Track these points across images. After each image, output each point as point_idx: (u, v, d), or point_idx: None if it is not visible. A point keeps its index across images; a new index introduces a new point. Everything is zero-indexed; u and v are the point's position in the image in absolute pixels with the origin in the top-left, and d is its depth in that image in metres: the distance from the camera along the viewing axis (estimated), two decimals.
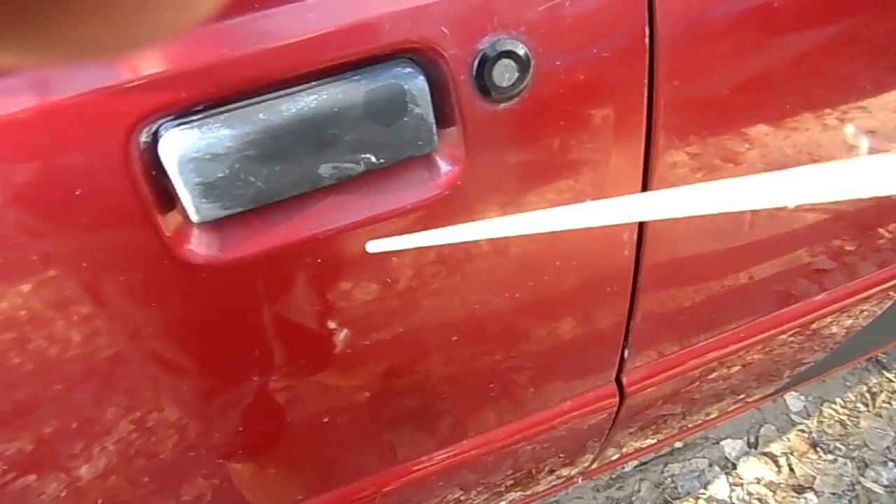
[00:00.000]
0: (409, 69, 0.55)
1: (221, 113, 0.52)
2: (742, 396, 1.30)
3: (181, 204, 0.55)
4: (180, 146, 0.51)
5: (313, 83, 0.54)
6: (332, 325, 0.68)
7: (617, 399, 0.96)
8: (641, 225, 0.75)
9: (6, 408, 0.60)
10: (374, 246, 0.59)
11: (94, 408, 0.63)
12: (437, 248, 0.66)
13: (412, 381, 0.79)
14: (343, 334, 0.69)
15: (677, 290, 0.88)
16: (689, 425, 1.32)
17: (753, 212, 0.84)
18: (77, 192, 0.51)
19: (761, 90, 0.71)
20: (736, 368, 1.11)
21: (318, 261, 0.62)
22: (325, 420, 0.77)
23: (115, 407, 0.65)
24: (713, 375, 1.10)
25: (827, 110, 0.77)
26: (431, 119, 0.57)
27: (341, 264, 0.63)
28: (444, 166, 0.62)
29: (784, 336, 1.08)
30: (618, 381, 0.96)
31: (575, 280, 0.77)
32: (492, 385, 0.84)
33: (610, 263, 0.78)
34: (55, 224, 0.52)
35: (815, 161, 0.63)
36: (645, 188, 0.71)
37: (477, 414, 0.89)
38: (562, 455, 1.08)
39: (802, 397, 1.93)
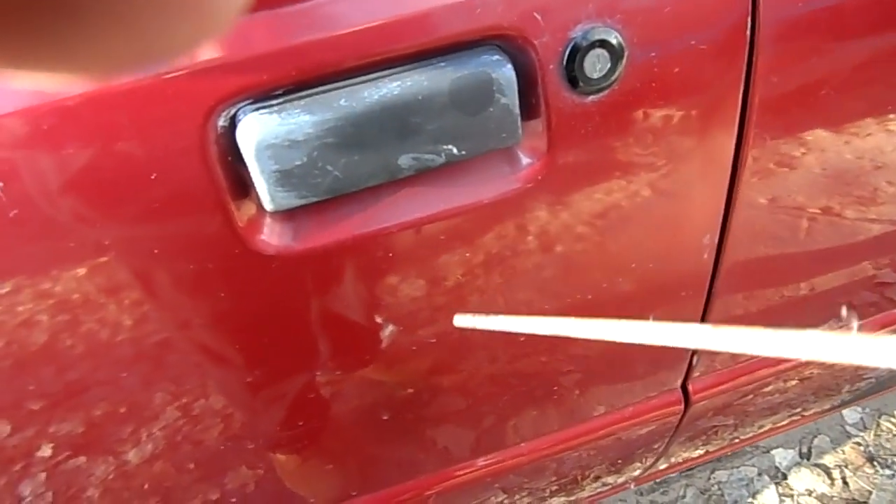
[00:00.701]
0: (497, 56, 0.52)
1: (302, 98, 0.50)
2: (799, 410, 1.25)
3: (255, 192, 0.53)
4: (259, 131, 0.49)
5: (397, 69, 0.52)
6: (397, 319, 0.66)
7: (682, 406, 0.93)
8: (724, 229, 0.71)
9: (60, 388, 0.59)
10: (460, 321, 0.57)
11: (148, 392, 0.62)
12: (516, 240, 0.63)
13: (473, 381, 0.76)
14: (409, 329, 0.67)
15: (752, 296, 0.84)
16: (741, 437, 1.27)
17: (836, 220, 0.79)
18: (152, 177, 0.50)
19: (863, 89, 0.66)
20: (794, 382, 1.07)
21: (390, 255, 0.59)
22: (385, 417, 0.75)
23: (168, 393, 0.64)
24: (773, 388, 1.06)
25: None
26: (517, 110, 0.54)
27: (414, 258, 0.61)
28: (525, 160, 0.59)
29: None
30: (683, 388, 0.92)
31: (649, 281, 0.74)
32: (554, 388, 0.81)
33: (688, 267, 0.74)
34: (128, 208, 0.51)
35: None
36: (732, 187, 0.67)
37: (533, 416, 0.86)
38: (615, 462, 1.04)
39: (859, 409, 1.85)
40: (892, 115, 0.70)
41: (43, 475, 0.65)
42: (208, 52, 0.48)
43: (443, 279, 0.63)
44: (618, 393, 0.89)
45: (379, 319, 0.64)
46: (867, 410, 1.85)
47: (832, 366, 1.07)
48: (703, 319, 0.81)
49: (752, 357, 0.93)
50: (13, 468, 0.63)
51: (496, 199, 0.59)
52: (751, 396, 1.05)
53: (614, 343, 0.81)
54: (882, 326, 1.02)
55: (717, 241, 0.72)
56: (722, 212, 0.70)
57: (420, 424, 0.79)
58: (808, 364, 1.00)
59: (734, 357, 0.93)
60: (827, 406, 1.31)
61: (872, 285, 0.92)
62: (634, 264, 0.70)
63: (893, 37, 0.64)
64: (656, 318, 0.79)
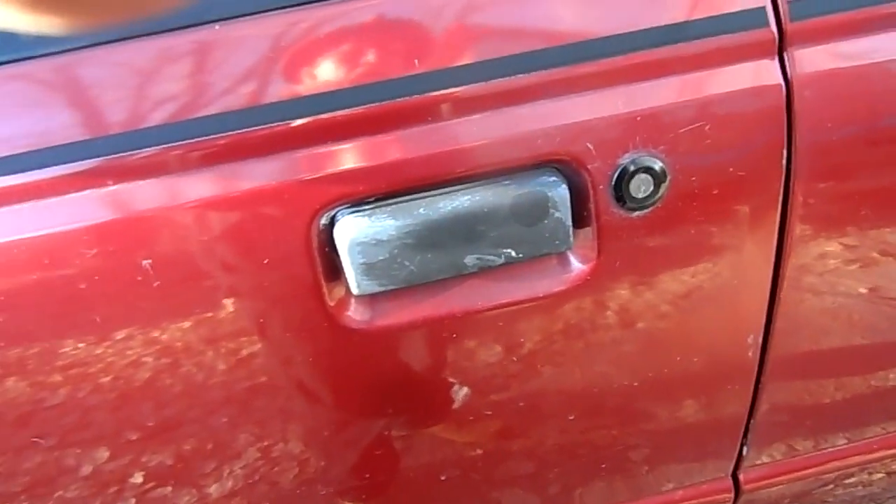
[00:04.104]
0: (553, 178, 0.62)
1: (389, 205, 0.61)
2: None
3: (345, 277, 0.64)
4: (352, 231, 0.61)
5: (469, 184, 0.62)
6: (458, 389, 0.75)
7: (732, 495, 0.96)
8: (767, 331, 0.77)
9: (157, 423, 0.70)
10: None
11: (234, 433, 0.73)
12: (566, 334, 0.72)
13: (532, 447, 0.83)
14: (463, 393, 0.75)
15: (801, 393, 0.87)
16: None
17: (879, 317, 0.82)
18: (265, 262, 0.62)
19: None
20: (880, 475, 1.06)
21: (454, 335, 0.69)
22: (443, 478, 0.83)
23: (252, 436, 0.74)
24: (846, 482, 1.06)
25: None
26: (569, 222, 0.63)
27: (475, 340, 0.70)
28: (576, 263, 0.67)
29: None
30: (734, 476, 0.95)
31: (697, 371, 0.79)
32: (603, 465, 0.87)
33: (733, 364, 0.79)
34: (245, 283, 0.63)
35: None
36: (774, 293, 0.73)
37: (583, 491, 0.91)
38: None
39: None
40: None
41: (132, 500, 0.75)
42: (317, 165, 0.60)
43: (497, 360, 0.72)
44: (670, 476, 0.93)
45: (440, 387, 0.74)
46: None
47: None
48: (751, 414, 0.86)
49: (807, 451, 0.95)
50: (107, 491, 0.73)
51: (549, 296, 0.68)
52: (828, 487, 1.05)
53: (665, 425, 0.86)
54: None
55: (760, 340, 0.77)
56: (765, 314, 0.75)
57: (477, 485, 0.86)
58: (867, 465, 1.01)
59: (792, 447, 0.95)
60: None
61: None
62: (679, 358, 0.77)
63: None
64: (702, 411, 0.84)
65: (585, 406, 0.79)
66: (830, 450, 0.98)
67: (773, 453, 0.95)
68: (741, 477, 0.95)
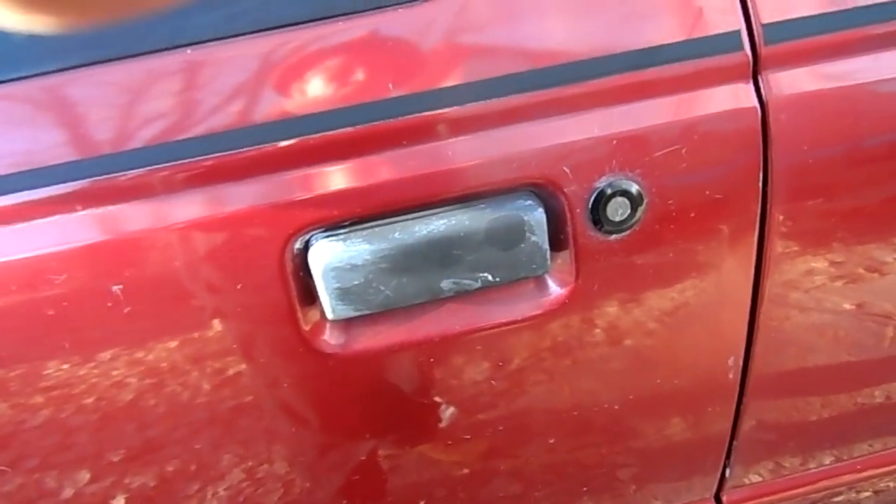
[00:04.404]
0: (529, 201, 0.62)
1: (364, 230, 0.61)
2: None
3: (320, 302, 0.63)
4: (326, 256, 0.60)
5: (444, 208, 0.62)
6: (441, 410, 0.73)
7: None
8: (748, 352, 0.76)
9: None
10: None
11: (212, 460, 0.71)
12: (545, 356, 0.71)
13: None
14: (444, 417, 0.74)
15: (783, 414, 0.87)
16: None
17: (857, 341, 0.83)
18: (238, 287, 0.61)
19: (877, 238, 0.71)
20: (866, 494, 1.06)
21: (431, 360, 0.68)
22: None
23: (231, 462, 0.72)
24: (833, 500, 1.05)
25: None
26: (546, 246, 0.63)
27: (452, 365, 0.70)
28: (553, 287, 0.67)
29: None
30: (717, 498, 0.95)
31: (677, 394, 0.79)
32: (584, 488, 0.86)
33: (713, 386, 0.79)
34: (219, 308, 0.62)
35: None
36: (752, 323, 0.73)
37: None
38: None
39: None
40: None
41: None
42: (290, 189, 0.60)
43: (476, 385, 0.71)
44: (650, 497, 0.92)
45: (424, 410, 0.73)
46: None
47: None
48: (733, 436, 0.85)
49: (802, 469, 0.95)
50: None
51: (527, 319, 0.67)
52: None
53: (648, 449, 0.85)
54: None
55: (741, 362, 0.77)
56: (745, 336, 0.75)
57: None
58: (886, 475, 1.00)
59: (776, 469, 0.95)
60: None
61: None
62: (660, 381, 0.76)
63: None
64: (683, 434, 0.83)
65: (565, 429, 0.78)
66: (815, 470, 0.97)
67: (757, 475, 0.95)
68: (724, 498, 0.95)
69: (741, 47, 0.62)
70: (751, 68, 0.62)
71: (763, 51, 0.62)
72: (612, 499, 0.91)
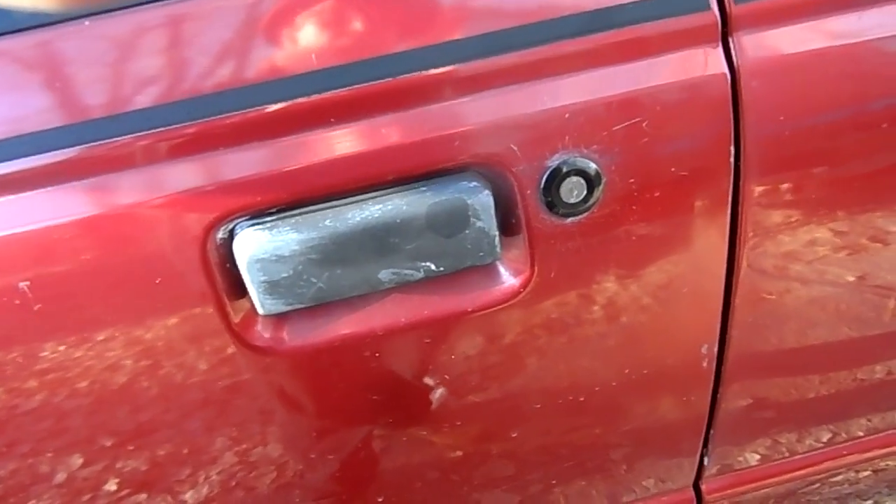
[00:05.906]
0: (474, 183, 0.56)
1: (292, 217, 0.55)
2: None
3: (249, 296, 0.58)
4: (251, 247, 0.54)
5: (380, 192, 0.56)
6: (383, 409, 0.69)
7: None
8: (723, 339, 0.71)
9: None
10: None
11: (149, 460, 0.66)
12: (503, 348, 0.66)
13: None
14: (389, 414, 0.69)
15: (759, 403, 0.82)
16: None
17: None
18: (157, 281, 0.56)
19: (852, 212, 0.65)
20: (865, 472, 1.02)
21: (376, 354, 0.63)
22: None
23: (169, 463, 0.67)
24: (832, 479, 1.01)
25: None
26: (494, 232, 0.57)
27: (398, 359, 0.64)
28: (506, 275, 0.61)
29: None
30: (696, 487, 0.91)
31: (648, 384, 0.74)
32: (553, 481, 0.82)
33: (687, 375, 0.74)
34: (140, 304, 0.57)
35: None
36: (727, 309, 0.67)
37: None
38: None
39: None
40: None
41: None
42: (211, 174, 0.54)
43: (425, 379, 0.66)
44: (628, 487, 0.88)
45: (359, 409, 0.68)
46: None
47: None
48: (709, 424, 0.81)
49: (769, 461, 0.91)
50: (80, 500, 0.68)
51: (478, 309, 0.62)
52: (814, 486, 1.01)
53: (623, 437, 0.81)
54: None
55: (716, 349, 0.72)
56: (719, 322, 0.70)
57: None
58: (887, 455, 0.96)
59: (753, 457, 0.91)
60: None
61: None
62: (628, 371, 0.71)
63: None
64: (658, 423, 0.79)
65: (530, 423, 0.74)
66: (792, 458, 0.93)
67: (735, 463, 0.90)
68: (703, 487, 0.90)
69: (708, 6, 0.55)
70: (719, 30, 0.56)
71: (733, 9, 0.56)
72: (581, 494, 0.87)
